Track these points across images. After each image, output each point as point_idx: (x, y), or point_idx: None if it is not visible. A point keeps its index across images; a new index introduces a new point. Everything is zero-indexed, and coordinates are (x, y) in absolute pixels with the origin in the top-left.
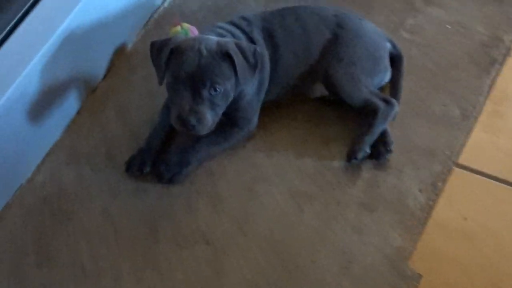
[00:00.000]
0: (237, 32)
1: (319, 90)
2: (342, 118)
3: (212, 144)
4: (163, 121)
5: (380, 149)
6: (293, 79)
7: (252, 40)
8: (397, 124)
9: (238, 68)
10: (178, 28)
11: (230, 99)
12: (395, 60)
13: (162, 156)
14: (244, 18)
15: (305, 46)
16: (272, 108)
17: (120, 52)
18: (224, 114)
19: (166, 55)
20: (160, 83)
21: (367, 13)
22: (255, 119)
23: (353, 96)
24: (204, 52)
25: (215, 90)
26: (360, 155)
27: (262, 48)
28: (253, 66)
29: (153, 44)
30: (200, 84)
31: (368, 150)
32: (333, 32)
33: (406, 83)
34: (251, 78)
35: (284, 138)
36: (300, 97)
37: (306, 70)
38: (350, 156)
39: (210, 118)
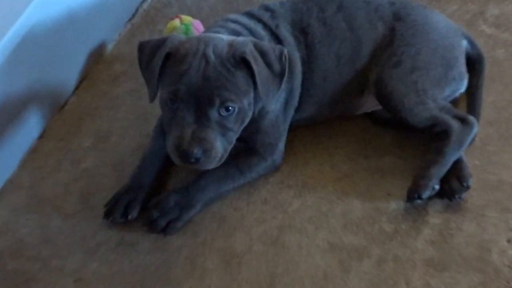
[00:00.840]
0: (257, 27)
1: (369, 104)
2: (400, 143)
3: (223, 179)
4: (156, 149)
5: (453, 185)
6: (333, 90)
7: (277, 39)
8: (477, 151)
9: (258, 78)
10: (177, 22)
11: (247, 120)
12: (474, 64)
13: (155, 197)
14: (266, 8)
15: (351, 45)
16: (304, 130)
17: (97, 56)
18: (239, 139)
19: (160, 62)
20: (152, 99)
21: (436, 1)
22: (281, 146)
23: (415, 113)
24: (212, 57)
25: (227, 110)
26: (425, 193)
27: (291, 50)
28: (279, 75)
29: (142, 46)
30: (207, 102)
31: (436, 187)
32: (389, 26)
33: (489, 95)
34: (276, 91)
35: (321, 170)
36: (343, 115)
37: (352, 79)
38: (412, 195)
39: (220, 147)
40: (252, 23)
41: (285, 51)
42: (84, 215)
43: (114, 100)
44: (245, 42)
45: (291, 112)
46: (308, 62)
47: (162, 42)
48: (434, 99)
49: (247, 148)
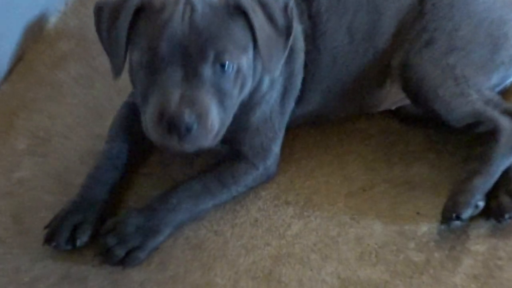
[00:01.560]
0: None
1: (393, 97)
2: (434, 147)
3: (200, 195)
4: (113, 154)
5: (502, 202)
6: (345, 76)
7: None
8: None
9: (258, 33)
10: None
11: (247, 87)
12: None
13: (111, 218)
14: None
15: (368, 17)
16: (308, 129)
17: (35, 32)
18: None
19: (129, 19)
20: (118, 72)
21: None
22: (276, 149)
23: (453, 107)
24: (199, 4)
25: (223, 67)
26: (466, 212)
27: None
28: (284, 33)
29: (100, 7)
30: (197, 56)
31: (480, 204)
32: None
33: None
34: (281, 53)
35: (330, 182)
36: (358, 111)
37: (370, 62)
38: (449, 215)
39: (217, 116)
40: None
41: (291, 3)
42: (18, 240)
43: (57, 88)
44: None
45: (290, 103)
46: (312, 37)
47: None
48: (477, 89)
49: (231, 152)
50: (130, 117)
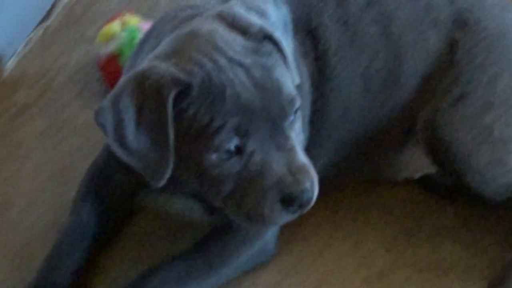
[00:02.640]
0: None
1: (416, 163)
2: (468, 224)
3: (184, 280)
4: (78, 228)
5: None
6: (358, 134)
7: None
8: None
9: (284, 47)
10: (115, 26)
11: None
12: None
13: None
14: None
15: (386, 63)
16: (317, 202)
17: None
18: (205, 201)
19: (169, 117)
20: (163, 178)
21: None
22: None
23: (490, 178)
24: (239, 56)
25: (295, 111)
26: None
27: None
28: (284, 26)
29: (102, 113)
30: (279, 115)
31: None
32: (448, 36)
33: None
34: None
35: (343, 265)
36: (372, 177)
37: (388, 118)
38: None
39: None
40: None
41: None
42: None
43: (15, 148)
44: (237, 11)
45: None
46: (319, 83)
47: (142, 86)
48: None
49: (223, 223)
50: (101, 179)
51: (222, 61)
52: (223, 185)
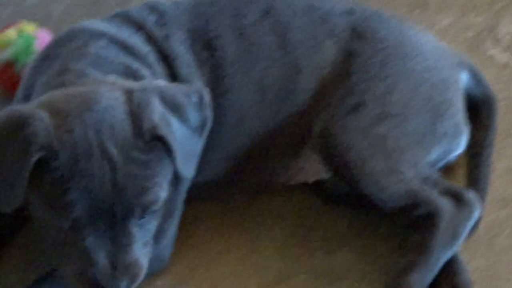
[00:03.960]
0: (136, 39)
1: (311, 168)
2: (361, 232)
3: None
4: None
5: None
6: (253, 142)
7: (165, 56)
8: (482, 245)
9: (176, 154)
10: (11, 33)
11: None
12: (479, 110)
13: None
14: (152, 8)
15: (283, 72)
16: (212, 207)
17: None
18: None
19: (27, 174)
20: (10, 209)
21: (421, 9)
22: (169, 234)
23: (384, 186)
24: (114, 153)
25: (150, 213)
26: None
27: (188, 73)
28: (200, 128)
29: None
30: (123, 216)
31: None
32: (345, 46)
33: (501, 159)
34: (196, 153)
35: (239, 273)
36: (268, 184)
37: (283, 126)
38: None
39: (146, 259)
40: (126, 33)
41: (205, 93)
42: None
43: None
44: (148, 99)
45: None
46: (215, 93)
47: (17, 130)
48: (413, 164)
49: None
50: None
51: (95, 150)
52: (46, 240)
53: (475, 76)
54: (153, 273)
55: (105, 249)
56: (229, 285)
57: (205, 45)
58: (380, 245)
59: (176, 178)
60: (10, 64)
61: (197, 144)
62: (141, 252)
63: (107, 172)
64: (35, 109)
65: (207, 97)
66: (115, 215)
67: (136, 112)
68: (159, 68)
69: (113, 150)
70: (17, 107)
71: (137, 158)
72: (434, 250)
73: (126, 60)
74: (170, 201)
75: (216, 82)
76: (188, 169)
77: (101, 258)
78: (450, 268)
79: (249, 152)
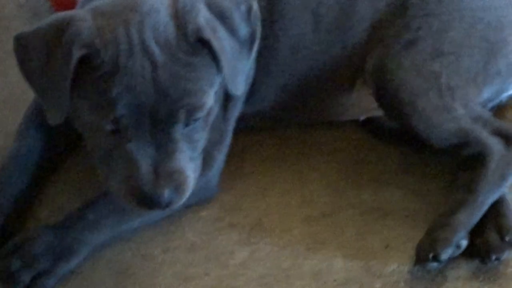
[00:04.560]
0: None
1: (363, 104)
2: (410, 169)
3: (126, 210)
4: (23, 154)
5: (489, 240)
6: (307, 72)
7: None
8: None
9: (223, 60)
10: None
11: (212, 119)
12: None
13: (17, 234)
14: None
15: (338, 3)
16: (261, 136)
17: None
18: None
19: (71, 73)
20: (57, 118)
21: None
22: (218, 157)
23: (435, 123)
24: (156, 51)
25: (195, 120)
26: (446, 251)
27: None
28: (248, 41)
29: (21, 41)
30: (167, 119)
31: (463, 242)
32: None
33: None
34: (245, 66)
35: (285, 204)
36: (321, 118)
37: (337, 58)
38: (425, 254)
39: (192, 172)
40: None
41: (254, 4)
42: None
43: None
44: (194, 3)
45: (237, 105)
46: (269, 20)
47: (60, 32)
48: (465, 103)
49: None
50: None
51: (137, 48)
52: (93, 150)
53: None
54: (200, 202)
55: (148, 155)
56: (275, 217)
57: None
58: (428, 183)
59: (226, 101)
60: None
61: (246, 59)
62: (187, 163)
63: (148, 70)
64: (80, 11)
65: (255, 8)
66: (159, 118)
67: (180, 15)
68: None
69: (155, 49)
70: (64, 12)
71: (180, 59)
72: (481, 190)
73: None
74: (219, 126)
75: (270, 8)
76: (237, 85)
77: (144, 164)
78: (497, 209)
79: (301, 83)
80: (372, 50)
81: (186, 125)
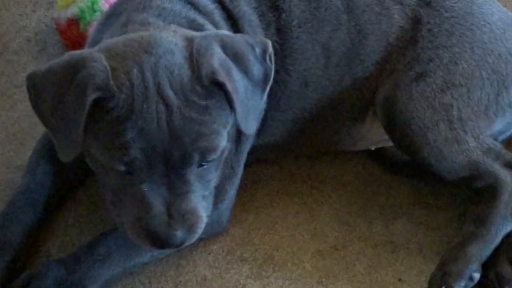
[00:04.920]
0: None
1: (373, 136)
2: (422, 201)
3: (136, 245)
4: (33, 188)
5: (503, 272)
6: (317, 106)
7: (231, 17)
8: None
9: (236, 101)
10: None
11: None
12: None
13: (27, 269)
14: None
15: (348, 37)
16: (272, 173)
17: None
18: None
19: (85, 114)
20: (69, 156)
21: None
22: (230, 191)
23: (446, 156)
24: (171, 94)
25: (208, 161)
26: (458, 284)
27: (253, 34)
28: (262, 81)
29: (34, 80)
30: (181, 162)
31: (476, 275)
32: (412, 14)
33: None
34: (257, 106)
35: (296, 237)
36: (332, 149)
37: (348, 91)
38: (438, 287)
39: (204, 211)
40: None
41: (269, 46)
42: None
43: None
44: (209, 45)
45: (249, 139)
46: (280, 55)
47: (74, 73)
48: (476, 135)
49: None
50: None
51: (152, 91)
52: (105, 188)
53: None
54: (212, 236)
55: (161, 196)
56: (286, 251)
57: (272, 7)
58: (439, 216)
59: (238, 136)
60: (74, 22)
61: (259, 99)
62: (199, 203)
63: (163, 114)
64: (94, 52)
65: (270, 49)
66: (172, 161)
67: (195, 57)
68: (225, 26)
69: (170, 92)
70: (77, 51)
71: (194, 102)
72: (494, 222)
73: (191, 14)
74: (231, 160)
75: (282, 44)
76: (249, 124)
77: (157, 205)
78: (509, 241)
79: (312, 116)
80: (383, 82)
81: (200, 165)
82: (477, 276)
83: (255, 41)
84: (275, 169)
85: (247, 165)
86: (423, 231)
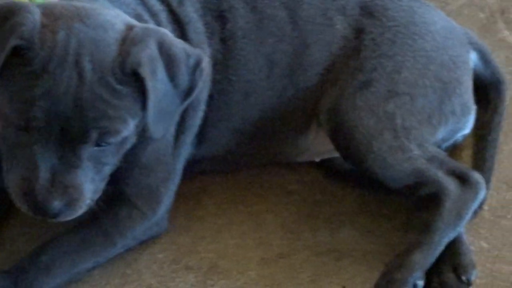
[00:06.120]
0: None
1: (318, 147)
2: (366, 210)
3: (79, 251)
4: None
5: (446, 280)
6: (260, 116)
7: (177, 21)
8: (485, 226)
9: (151, 100)
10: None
11: (130, 145)
12: (487, 91)
13: None
14: None
15: (292, 47)
16: (217, 182)
17: None
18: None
19: (3, 58)
20: None
21: None
22: (165, 193)
23: (390, 164)
24: (88, 70)
25: (106, 143)
26: None
27: (197, 41)
28: (184, 93)
29: None
30: (78, 137)
31: (420, 283)
32: (355, 24)
33: (509, 141)
34: (172, 114)
35: (242, 246)
36: (275, 160)
37: (292, 102)
38: None
39: (90, 192)
40: None
41: (205, 62)
42: None
43: None
44: (146, 40)
45: (186, 143)
46: (223, 64)
47: (7, 17)
48: (420, 143)
49: (114, 194)
50: None
51: (71, 58)
52: (2, 141)
53: (484, 57)
54: (150, 238)
55: (50, 163)
56: (231, 259)
57: (217, 16)
58: (384, 223)
59: (175, 140)
60: None
61: (176, 107)
62: (86, 183)
63: (73, 83)
64: (32, 5)
65: (206, 67)
66: (70, 132)
67: (127, 43)
68: (170, 28)
69: (88, 65)
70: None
71: (109, 83)
72: (437, 230)
73: (139, 8)
74: (166, 164)
75: (225, 54)
76: (157, 128)
77: (44, 170)
78: (453, 249)
79: (255, 127)
80: (327, 92)
81: (97, 145)
82: (420, 283)
83: (193, 51)
84: (221, 177)
85: (192, 176)
86: (368, 239)
